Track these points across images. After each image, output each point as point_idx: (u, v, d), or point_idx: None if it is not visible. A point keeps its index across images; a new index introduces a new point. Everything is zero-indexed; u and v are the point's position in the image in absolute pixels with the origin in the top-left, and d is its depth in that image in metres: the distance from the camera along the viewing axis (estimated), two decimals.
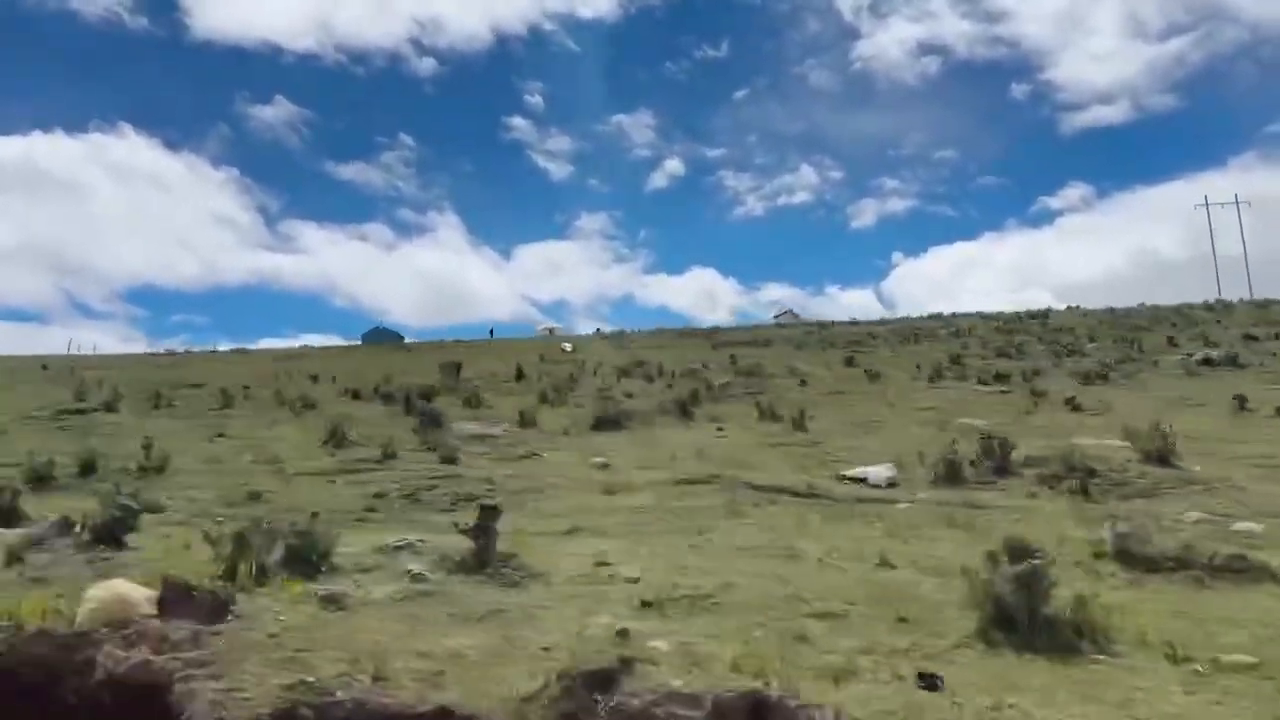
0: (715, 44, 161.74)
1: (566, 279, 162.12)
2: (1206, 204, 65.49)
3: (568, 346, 37.87)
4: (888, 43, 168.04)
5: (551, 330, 60.80)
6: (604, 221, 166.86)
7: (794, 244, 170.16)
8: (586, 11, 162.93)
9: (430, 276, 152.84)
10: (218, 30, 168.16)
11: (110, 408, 19.54)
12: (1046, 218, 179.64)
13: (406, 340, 57.20)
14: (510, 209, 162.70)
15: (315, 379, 27.12)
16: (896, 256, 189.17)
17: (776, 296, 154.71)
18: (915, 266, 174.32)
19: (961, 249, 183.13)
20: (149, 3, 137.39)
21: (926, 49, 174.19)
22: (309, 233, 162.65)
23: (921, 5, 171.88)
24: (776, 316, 59.49)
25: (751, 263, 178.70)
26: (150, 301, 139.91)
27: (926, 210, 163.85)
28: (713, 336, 42.93)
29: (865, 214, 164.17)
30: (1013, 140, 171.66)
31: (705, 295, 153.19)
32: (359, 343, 55.42)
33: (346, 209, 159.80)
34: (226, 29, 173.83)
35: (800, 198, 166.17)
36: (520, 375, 26.54)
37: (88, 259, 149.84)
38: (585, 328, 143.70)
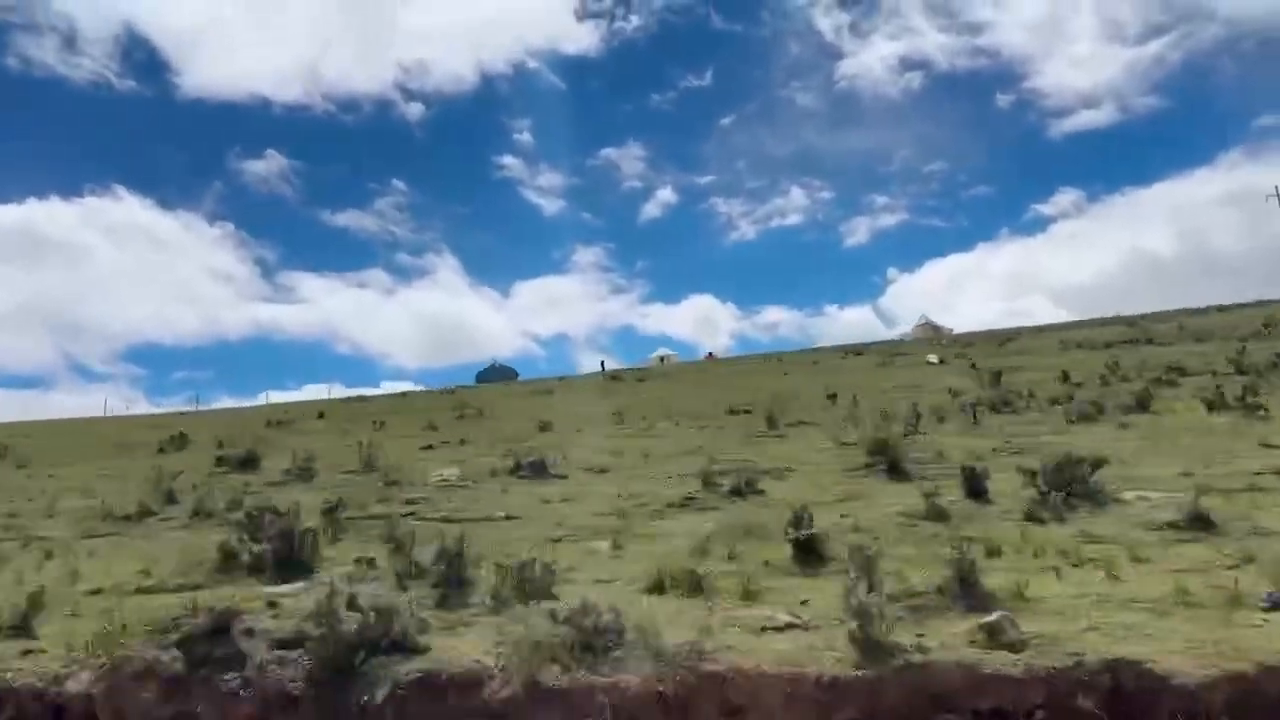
0: (699, 73, 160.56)
1: (566, 313, 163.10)
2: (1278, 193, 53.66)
3: (934, 358, 32.32)
4: (870, 61, 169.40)
5: (664, 359, 58.01)
6: (599, 254, 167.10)
7: (789, 265, 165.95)
8: (570, 47, 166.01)
9: (431, 318, 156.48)
10: (206, 88, 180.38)
11: None
12: (1039, 224, 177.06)
13: (520, 376, 56.35)
14: (506, 247, 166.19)
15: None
16: (892, 272, 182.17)
17: (775, 319, 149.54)
18: (911, 281, 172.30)
19: (956, 260, 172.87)
20: (136, 64, 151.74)
21: (909, 64, 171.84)
22: (308, 282, 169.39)
23: (901, 22, 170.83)
24: (918, 326, 53.76)
25: (748, 287, 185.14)
26: (150, 360, 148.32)
27: (919, 224, 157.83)
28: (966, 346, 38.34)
29: (858, 232, 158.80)
30: (1001, 149, 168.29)
31: (704, 322, 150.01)
32: (473, 382, 55.10)
33: (344, 257, 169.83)
34: (215, 86, 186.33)
35: (793, 219, 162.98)
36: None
37: (87, 321, 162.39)
38: (587, 361, 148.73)
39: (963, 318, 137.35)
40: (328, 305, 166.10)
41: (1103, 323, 44.81)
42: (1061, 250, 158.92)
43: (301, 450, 15.16)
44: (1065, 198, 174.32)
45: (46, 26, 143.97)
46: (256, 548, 7.23)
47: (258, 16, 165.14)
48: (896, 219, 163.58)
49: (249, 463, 15.54)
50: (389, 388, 53.05)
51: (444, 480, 12.73)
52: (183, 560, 7.66)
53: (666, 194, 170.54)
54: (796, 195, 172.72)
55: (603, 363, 64.95)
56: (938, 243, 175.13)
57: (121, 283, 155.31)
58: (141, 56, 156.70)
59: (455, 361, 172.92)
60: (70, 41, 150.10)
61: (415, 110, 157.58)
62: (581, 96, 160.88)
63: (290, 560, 7.23)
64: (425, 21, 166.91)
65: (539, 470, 12.80)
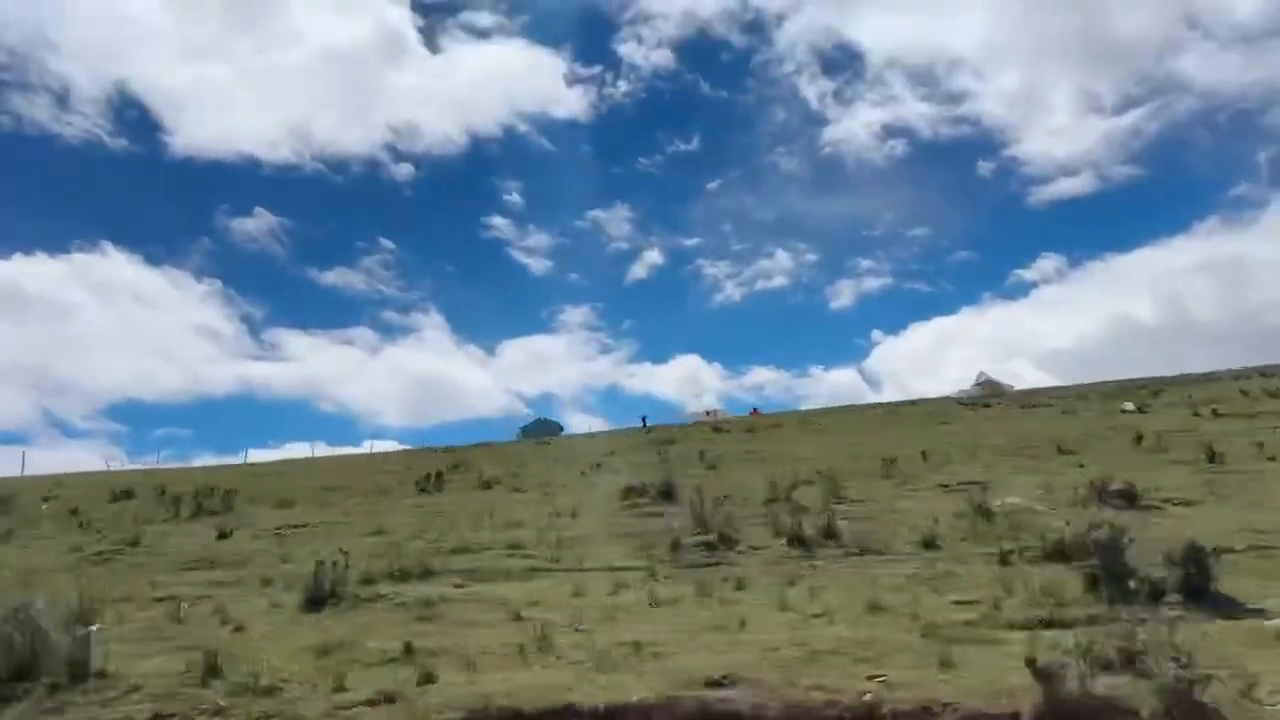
0: (686, 138, 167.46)
1: (552, 372, 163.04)
2: None
3: (1129, 405, 29.90)
4: (854, 128, 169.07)
5: (711, 413, 55.80)
6: (587, 314, 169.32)
7: (775, 327, 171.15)
8: (559, 111, 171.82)
9: (417, 377, 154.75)
10: (197, 146, 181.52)
11: None
12: (1022, 289, 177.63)
13: (565, 431, 53.48)
14: (493, 306, 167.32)
15: None
16: (877, 335, 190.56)
17: (761, 379, 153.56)
18: (896, 344, 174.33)
19: (940, 324, 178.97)
20: (128, 123, 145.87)
21: (892, 132, 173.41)
22: (294, 340, 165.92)
23: (884, 91, 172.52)
24: (978, 384, 52.65)
25: (734, 348, 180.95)
26: (132, 417, 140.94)
27: (903, 288, 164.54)
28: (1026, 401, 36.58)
29: (843, 294, 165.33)
30: (983, 215, 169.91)
31: (690, 381, 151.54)
32: (518, 437, 51.96)
33: (330, 315, 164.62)
34: (205, 145, 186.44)
35: (778, 281, 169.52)
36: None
37: (70, 378, 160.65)
38: (575, 420, 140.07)
39: (946, 381, 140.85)
40: (313, 363, 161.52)
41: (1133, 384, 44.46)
42: (1044, 315, 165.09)
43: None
44: (1047, 263, 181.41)
45: (40, 85, 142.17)
46: None
47: (249, 77, 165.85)
48: (880, 282, 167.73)
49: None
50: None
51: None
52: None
53: (654, 255, 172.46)
54: (782, 258, 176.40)
55: (644, 418, 62.54)
56: (921, 306, 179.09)
57: (106, 339, 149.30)
58: (133, 115, 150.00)
59: (440, 420, 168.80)
60: (63, 100, 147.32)
61: (404, 171, 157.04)
62: (570, 159, 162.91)
63: None
64: (415, 84, 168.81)
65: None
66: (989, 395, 49.72)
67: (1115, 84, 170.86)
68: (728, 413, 57.32)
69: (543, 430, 52.73)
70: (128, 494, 22.98)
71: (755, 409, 60.14)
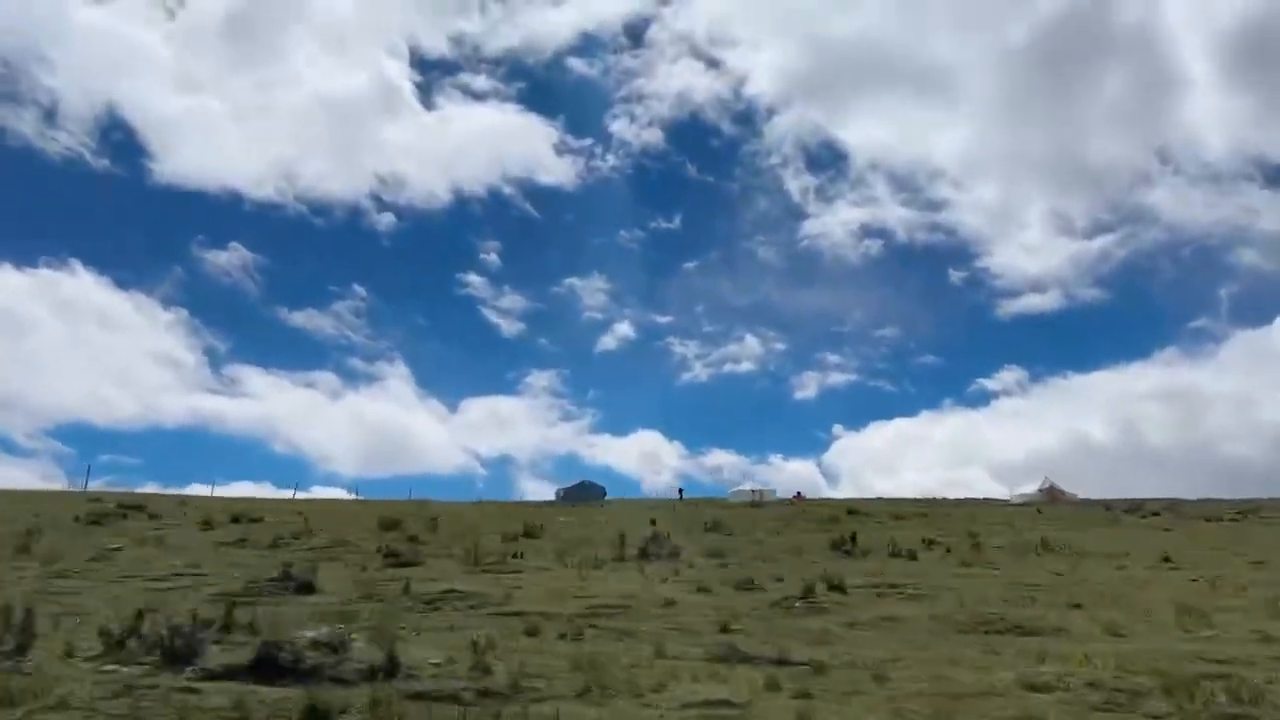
0: (668, 217, 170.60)
1: (512, 434, 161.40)
2: None
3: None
4: (833, 224, 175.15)
5: (759, 492, 53.74)
6: (552, 379, 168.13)
7: (738, 412, 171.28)
8: (545, 178, 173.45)
9: (374, 426, 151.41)
10: (180, 175, 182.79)
11: None
12: (982, 398, 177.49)
13: (608, 497, 51.58)
14: (460, 363, 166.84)
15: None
16: (837, 429, 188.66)
17: (720, 462, 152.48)
18: (856, 440, 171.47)
19: (900, 425, 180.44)
20: (114, 144, 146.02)
21: (869, 232, 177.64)
22: (254, 378, 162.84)
23: (865, 191, 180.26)
24: (1043, 490, 50.35)
25: (696, 428, 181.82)
26: (79, 440, 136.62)
27: (867, 385, 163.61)
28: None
29: (808, 386, 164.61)
30: (951, 322, 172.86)
31: (649, 458, 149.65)
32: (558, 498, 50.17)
33: (295, 356, 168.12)
34: (189, 174, 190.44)
35: (745, 367, 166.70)
36: None
37: (19, 394, 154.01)
38: (531, 486, 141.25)
39: (902, 483, 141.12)
40: (271, 402, 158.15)
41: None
42: (1002, 425, 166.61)
43: None
44: (1009, 375, 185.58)
45: (29, 99, 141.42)
46: None
47: (242, 114, 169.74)
48: (846, 378, 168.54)
49: None
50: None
51: None
52: None
53: (625, 328, 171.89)
54: (751, 344, 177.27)
55: (680, 490, 60.72)
56: (884, 406, 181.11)
57: (62, 358, 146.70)
58: (120, 137, 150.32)
59: (392, 472, 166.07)
60: (50, 115, 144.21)
61: (386, 220, 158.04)
62: (552, 226, 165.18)
63: None
64: (406, 137, 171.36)
65: None
66: (1048, 501, 47.56)
67: (1087, 208, 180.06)
68: (772, 492, 55.20)
69: (585, 494, 50.86)
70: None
71: (799, 493, 58.12)
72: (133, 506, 26.92)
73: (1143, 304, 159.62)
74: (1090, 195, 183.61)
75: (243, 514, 25.55)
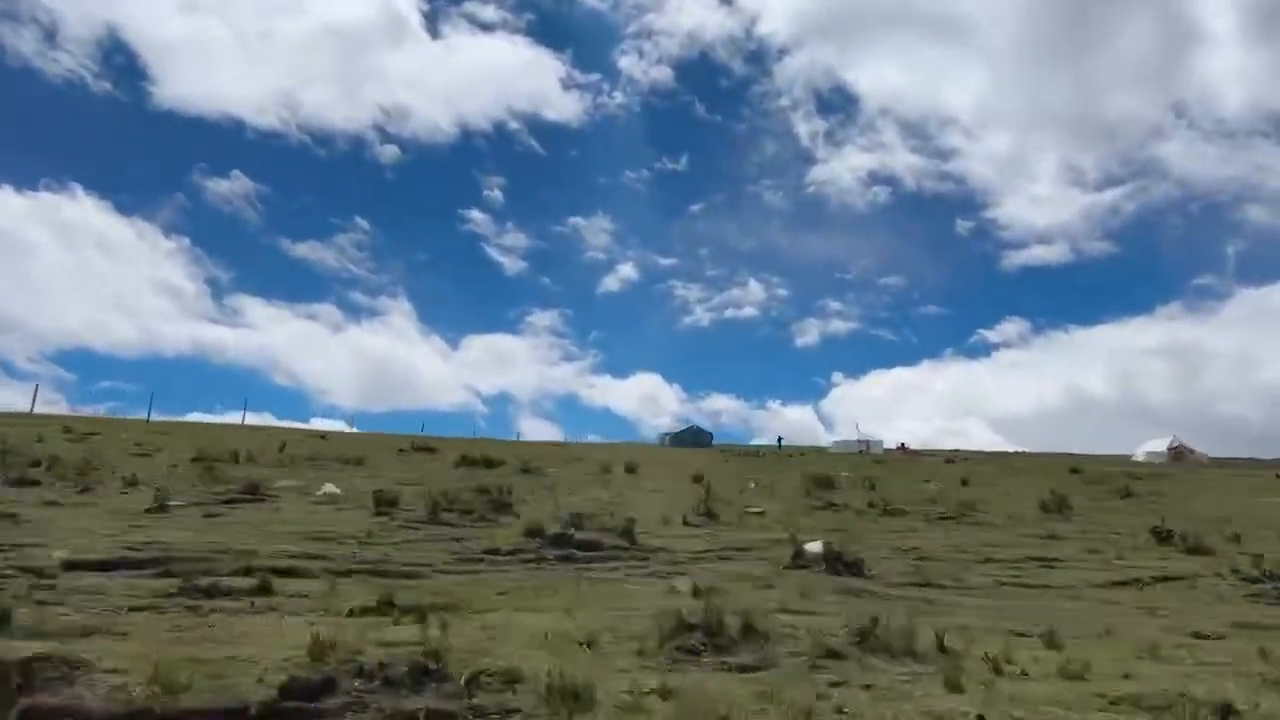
0: (675, 157, 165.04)
1: (512, 373, 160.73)
2: None
3: None
4: (841, 170, 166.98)
5: (865, 444, 53.07)
6: (555, 319, 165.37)
7: (738, 357, 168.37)
8: (552, 115, 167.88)
9: (375, 360, 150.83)
10: (182, 100, 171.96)
11: None
12: (984, 350, 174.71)
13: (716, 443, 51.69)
14: (462, 300, 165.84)
15: None
16: (837, 377, 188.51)
17: (719, 407, 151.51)
18: (854, 388, 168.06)
19: (900, 374, 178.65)
20: (115, 67, 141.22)
21: (877, 178, 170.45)
22: (256, 308, 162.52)
23: (874, 137, 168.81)
24: (1172, 448, 48.24)
25: (696, 372, 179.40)
26: (80, 365, 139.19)
27: (868, 334, 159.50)
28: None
29: (809, 333, 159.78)
30: (955, 272, 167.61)
31: (649, 400, 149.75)
32: (665, 444, 50.54)
33: (297, 287, 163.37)
34: (190, 99, 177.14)
35: (747, 311, 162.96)
36: None
37: (20, 317, 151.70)
38: (529, 425, 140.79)
39: (900, 432, 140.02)
40: (273, 334, 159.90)
41: None
42: (1002, 377, 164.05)
43: None
44: (1011, 327, 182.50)
45: (29, 17, 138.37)
46: None
47: (244, 40, 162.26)
48: (848, 326, 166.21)
49: None
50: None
51: None
52: None
53: (628, 270, 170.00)
54: (754, 289, 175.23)
55: (779, 439, 60.47)
56: (884, 354, 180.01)
57: (63, 282, 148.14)
58: (121, 60, 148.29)
59: (392, 407, 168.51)
60: (51, 36, 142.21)
61: (390, 152, 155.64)
62: (557, 163, 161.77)
63: None
64: (412, 69, 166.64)
65: None
66: (1174, 460, 45.62)
67: (1099, 161, 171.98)
68: (879, 444, 54.48)
69: (694, 440, 51.06)
70: None
71: (904, 445, 57.19)
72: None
73: (1149, 258, 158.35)
74: (1103, 148, 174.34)
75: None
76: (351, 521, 12.41)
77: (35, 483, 14.52)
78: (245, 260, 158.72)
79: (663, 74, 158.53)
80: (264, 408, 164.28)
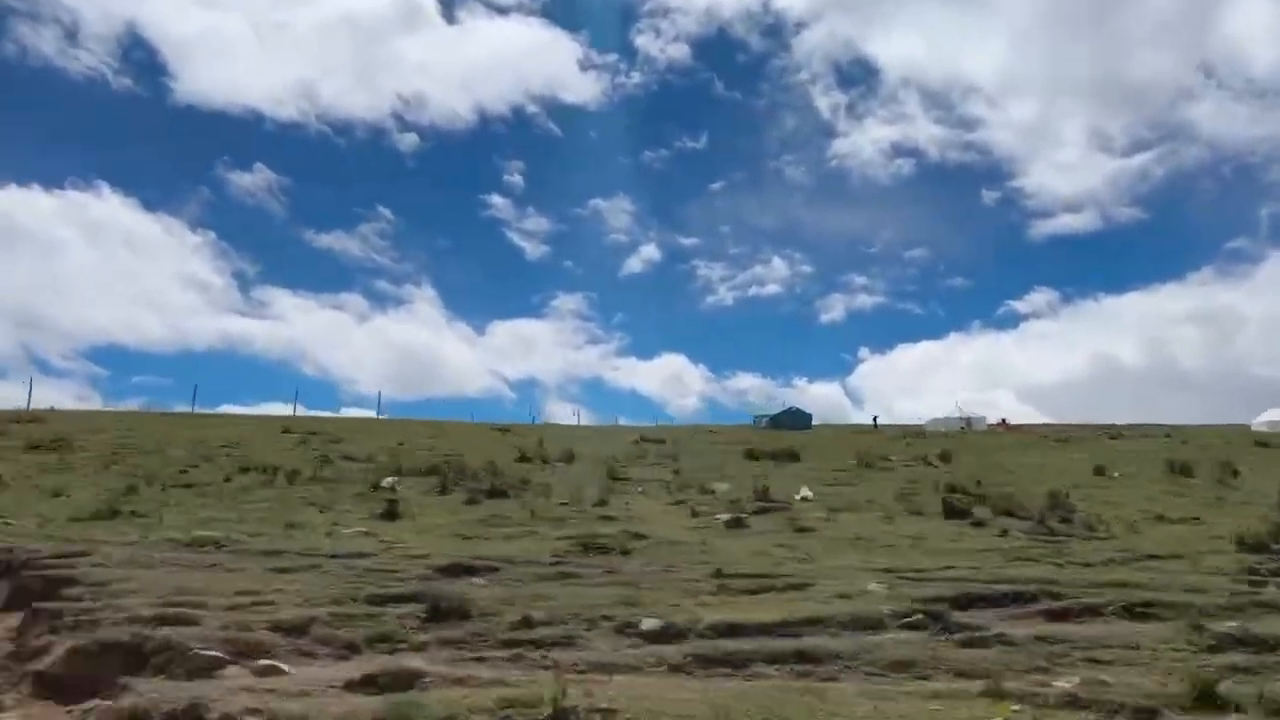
0: (694, 135, 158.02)
1: (538, 358, 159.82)
2: None
3: None
4: (863, 143, 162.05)
5: (967, 420, 52.33)
6: (579, 303, 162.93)
7: (763, 335, 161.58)
8: (570, 97, 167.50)
9: (402, 349, 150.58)
10: (201, 95, 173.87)
11: None
12: (1011, 321, 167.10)
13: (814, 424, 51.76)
14: (486, 286, 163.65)
15: None
16: (863, 352, 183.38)
17: (744, 386, 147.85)
18: (881, 363, 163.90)
19: (927, 348, 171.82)
20: (135, 64, 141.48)
21: (900, 151, 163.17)
22: (283, 300, 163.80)
23: (896, 109, 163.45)
24: None
25: (721, 352, 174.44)
26: (112, 361, 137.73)
27: (895, 308, 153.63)
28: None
29: (834, 309, 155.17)
30: (982, 243, 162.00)
31: (675, 381, 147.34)
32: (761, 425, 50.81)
33: (323, 278, 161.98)
34: (210, 94, 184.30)
35: (771, 289, 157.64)
36: None
37: (53, 315, 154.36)
38: (557, 410, 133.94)
39: (928, 406, 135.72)
40: (300, 325, 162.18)
41: None
42: (1031, 348, 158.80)
43: None
44: (1040, 297, 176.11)
45: (50, 17, 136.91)
46: None
47: (261, 32, 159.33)
48: (873, 300, 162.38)
49: None
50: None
51: None
52: None
53: (650, 250, 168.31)
54: (777, 266, 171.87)
55: (875, 418, 60.02)
56: (911, 328, 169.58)
57: (92, 280, 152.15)
58: (141, 56, 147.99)
59: (420, 394, 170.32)
60: (72, 34, 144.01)
61: (409, 140, 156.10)
62: (576, 145, 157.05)
63: None
64: (428, 56, 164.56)
65: None
66: None
67: (1127, 126, 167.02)
68: (982, 420, 53.63)
69: (793, 421, 51.22)
70: None
71: (1004, 420, 56.19)
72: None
73: (1179, 224, 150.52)
74: (1130, 112, 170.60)
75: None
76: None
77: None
78: (271, 252, 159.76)
79: (680, 52, 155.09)
80: (292, 398, 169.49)
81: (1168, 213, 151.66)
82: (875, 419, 58.32)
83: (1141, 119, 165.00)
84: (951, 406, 60.11)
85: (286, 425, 30.65)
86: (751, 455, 24.77)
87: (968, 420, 52.70)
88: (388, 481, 17.06)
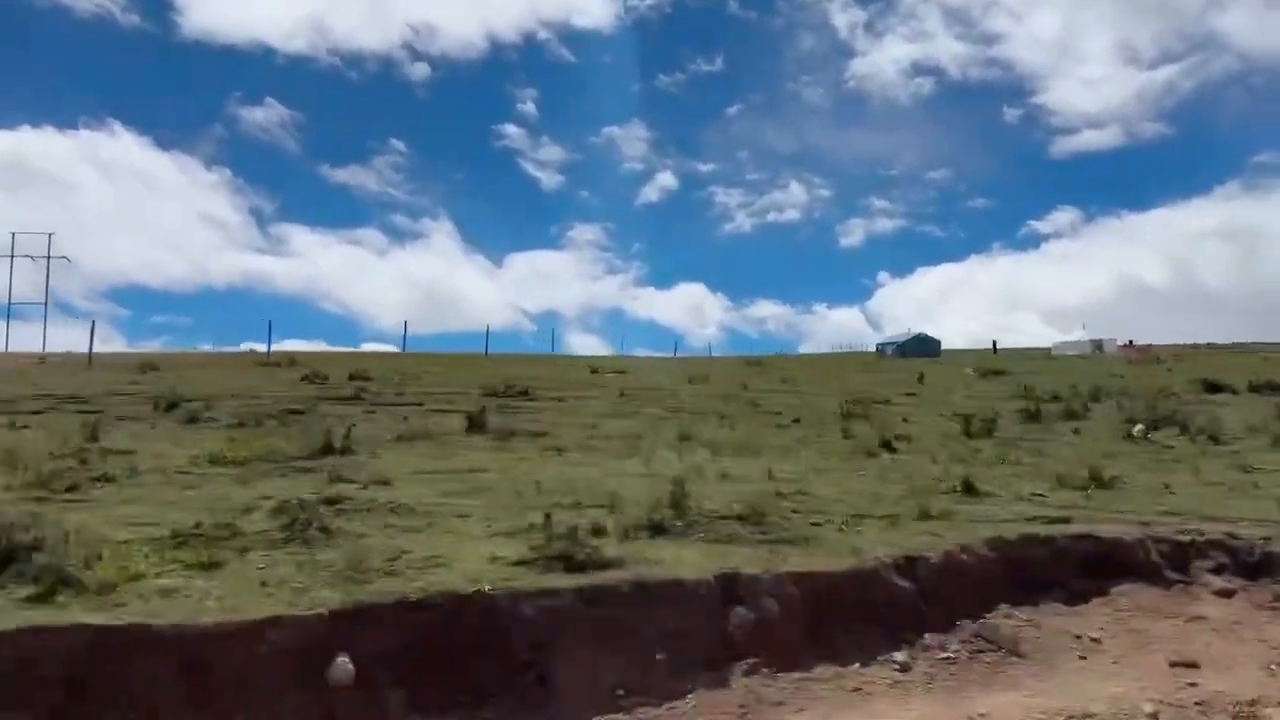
0: (710, 58, 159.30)
1: (557, 289, 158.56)
2: None
3: None
4: (882, 62, 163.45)
5: (1099, 343, 50.23)
6: (597, 233, 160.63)
7: (782, 261, 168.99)
8: (582, 21, 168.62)
9: (422, 283, 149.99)
10: (209, 29, 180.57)
11: None
12: (1033, 241, 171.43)
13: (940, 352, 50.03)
14: (503, 217, 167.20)
15: None
16: (883, 276, 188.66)
17: (764, 314, 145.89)
18: (901, 287, 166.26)
19: (948, 270, 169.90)
20: (141, 0, 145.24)
21: (920, 69, 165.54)
22: (300, 236, 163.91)
23: (917, 25, 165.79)
24: None
25: (740, 279, 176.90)
26: (133, 301, 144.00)
27: (915, 231, 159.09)
28: None
29: (854, 233, 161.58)
30: (1003, 163, 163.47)
31: (694, 310, 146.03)
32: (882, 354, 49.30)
33: (340, 213, 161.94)
34: (218, 28, 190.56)
35: (789, 215, 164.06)
36: None
37: (73, 258, 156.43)
38: (576, 340, 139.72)
39: (949, 329, 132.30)
40: (318, 261, 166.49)
41: None
42: (1053, 269, 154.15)
43: None
44: (1062, 216, 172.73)
45: None
46: None
47: None
48: (893, 224, 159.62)
49: None
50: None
51: None
52: None
53: (666, 178, 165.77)
54: (796, 191, 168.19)
55: (994, 342, 58.24)
56: (931, 251, 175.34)
57: (111, 220, 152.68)
58: None
59: (441, 328, 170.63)
60: None
61: (420, 71, 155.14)
62: (589, 71, 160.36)
63: None
64: None
65: None
66: None
67: (1155, 37, 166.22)
68: (1113, 342, 51.41)
69: (921, 349, 49.54)
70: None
71: (1131, 342, 53.96)
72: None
73: (1206, 138, 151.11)
74: (1159, 23, 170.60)
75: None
76: None
77: None
78: (287, 189, 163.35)
79: None
80: (315, 335, 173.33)
81: (1195, 127, 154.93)
82: (994, 343, 56.54)
83: (1170, 29, 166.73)
84: (1079, 330, 57.79)
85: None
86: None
87: (1098, 343, 50.61)
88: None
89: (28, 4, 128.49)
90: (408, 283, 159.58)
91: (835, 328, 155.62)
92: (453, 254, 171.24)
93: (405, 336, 25.44)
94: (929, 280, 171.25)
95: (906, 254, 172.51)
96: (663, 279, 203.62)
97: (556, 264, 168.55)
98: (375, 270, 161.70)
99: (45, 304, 57.83)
